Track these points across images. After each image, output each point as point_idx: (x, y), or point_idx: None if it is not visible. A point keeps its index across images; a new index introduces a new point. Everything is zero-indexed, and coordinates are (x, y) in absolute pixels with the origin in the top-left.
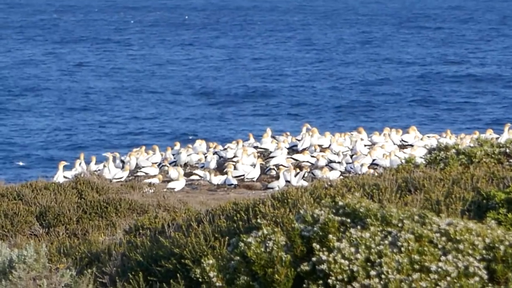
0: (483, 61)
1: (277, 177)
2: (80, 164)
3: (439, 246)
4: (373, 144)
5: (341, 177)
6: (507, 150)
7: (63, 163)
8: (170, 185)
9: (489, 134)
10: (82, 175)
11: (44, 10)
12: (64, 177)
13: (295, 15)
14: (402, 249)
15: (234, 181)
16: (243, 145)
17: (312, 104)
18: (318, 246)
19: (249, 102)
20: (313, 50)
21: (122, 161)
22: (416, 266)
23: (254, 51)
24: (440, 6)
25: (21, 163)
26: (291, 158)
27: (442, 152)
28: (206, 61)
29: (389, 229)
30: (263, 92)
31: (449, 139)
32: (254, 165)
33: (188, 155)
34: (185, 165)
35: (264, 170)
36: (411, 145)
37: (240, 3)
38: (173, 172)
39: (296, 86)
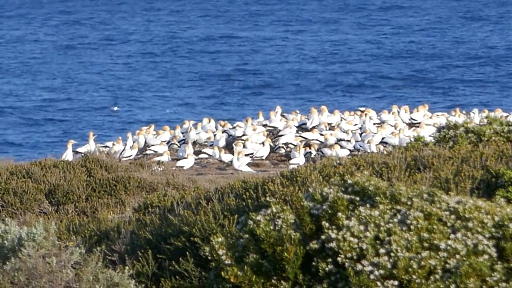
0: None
1: (286, 155)
2: (90, 142)
3: (448, 224)
4: (382, 122)
5: (350, 155)
6: None
7: (72, 141)
8: (179, 163)
9: (498, 112)
10: (91, 153)
11: None
12: (76, 152)
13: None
14: (411, 227)
15: (243, 165)
16: (252, 123)
17: (318, 84)
18: (327, 224)
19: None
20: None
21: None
22: (425, 244)
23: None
24: None
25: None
26: (300, 136)
27: (451, 131)
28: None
29: (398, 207)
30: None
31: (458, 117)
32: (263, 143)
33: (197, 133)
34: (194, 143)
35: (273, 148)
36: (420, 123)
37: None
38: (182, 150)
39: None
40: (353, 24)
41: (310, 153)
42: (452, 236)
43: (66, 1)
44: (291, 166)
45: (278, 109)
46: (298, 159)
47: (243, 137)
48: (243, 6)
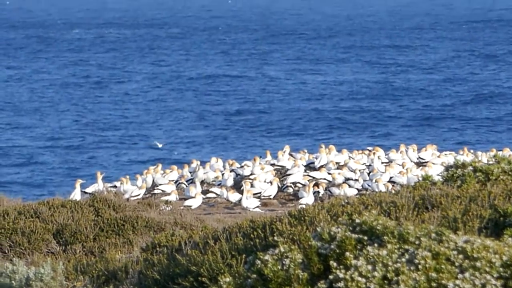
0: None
1: (294, 195)
2: (98, 182)
3: (456, 263)
4: (390, 161)
5: (358, 194)
6: None
7: (80, 181)
8: (187, 202)
9: (506, 152)
10: (99, 193)
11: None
12: (84, 192)
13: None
14: (419, 266)
15: (252, 204)
16: (260, 163)
17: (322, 121)
18: (335, 264)
19: (262, 119)
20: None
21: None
22: (434, 284)
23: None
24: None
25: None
26: (308, 175)
27: (459, 170)
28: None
29: (406, 246)
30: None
31: (466, 156)
32: (271, 183)
33: (205, 173)
34: (202, 182)
35: (281, 187)
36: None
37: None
38: (190, 189)
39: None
40: (362, 63)
41: (318, 192)
42: (460, 276)
43: (74, 41)
44: (300, 206)
45: (286, 148)
46: (307, 198)
47: (251, 176)
48: (249, 45)
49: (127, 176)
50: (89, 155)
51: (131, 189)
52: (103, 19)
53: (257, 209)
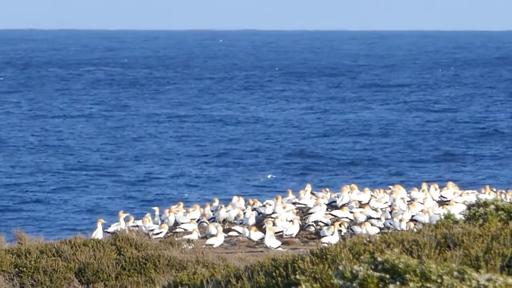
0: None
1: (316, 233)
2: (120, 221)
3: None
4: (412, 200)
5: (380, 233)
6: None
7: (101, 220)
8: (209, 241)
9: None
10: (121, 232)
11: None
12: (107, 232)
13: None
14: None
15: (274, 244)
16: (282, 201)
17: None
18: None
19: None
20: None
21: (162, 221)
22: None
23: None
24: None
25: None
26: (330, 214)
27: (481, 208)
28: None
29: (429, 285)
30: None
31: (488, 195)
32: (292, 221)
33: (226, 211)
34: (224, 221)
35: (303, 226)
36: (450, 201)
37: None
38: (212, 228)
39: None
40: (373, 101)
41: (340, 231)
42: None
43: (94, 82)
44: (323, 244)
45: (308, 187)
46: (332, 237)
47: (273, 215)
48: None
49: (148, 215)
50: (107, 193)
51: (153, 227)
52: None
53: (280, 248)
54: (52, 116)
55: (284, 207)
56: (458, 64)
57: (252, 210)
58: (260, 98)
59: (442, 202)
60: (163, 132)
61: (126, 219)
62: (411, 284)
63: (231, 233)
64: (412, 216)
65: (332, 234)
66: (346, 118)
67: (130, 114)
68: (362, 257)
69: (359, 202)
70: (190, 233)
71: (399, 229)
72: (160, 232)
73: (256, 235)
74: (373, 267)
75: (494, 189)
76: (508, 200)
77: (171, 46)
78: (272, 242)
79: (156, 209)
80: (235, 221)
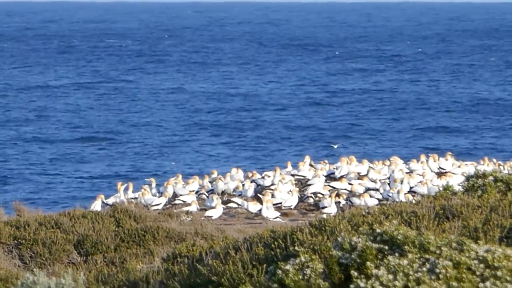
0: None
1: (315, 205)
2: (119, 192)
3: (477, 273)
4: (411, 171)
5: (379, 204)
6: None
7: (102, 196)
8: (208, 213)
9: None
10: (120, 204)
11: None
12: (106, 204)
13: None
14: (440, 276)
15: (272, 215)
16: (280, 173)
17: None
18: (356, 274)
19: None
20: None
21: (160, 192)
22: None
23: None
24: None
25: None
26: (329, 185)
27: (479, 179)
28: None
29: (427, 256)
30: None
31: (486, 166)
32: (291, 193)
33: (225, 183)
34: (223, 193)
35: (301, 198)
36: (449, 172)
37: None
38: (210, 200)
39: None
40: (373, 72)
41: (339, 202)
42: (481, 285)
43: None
44: (324, 215)
45: (307, 159)
46: (330, 208)
47: (272, 187)
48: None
49: (147, 187)
50: (106, 165)
51: (152, 199)
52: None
53: (278, 219)
54: (49, 86)
55: (283, 179)
56: (455, 35)
57: (251, 182)
58: (258, 72)
59: (440, 174)
60: (163, 105)
61: (125, 190)
62: (409, 255)
63: (230, 205)
64: (411, 187)
65: (330, 205)
66: (342, 88)
67: (131, 87)
68: (360, 228)
69: (358, 173)
70: (189, 205)
71: (397, 200)
72: (159, 204)
73: (255, 207)
74: (371, 238)
75: (494, 160)
76: (507, 172)
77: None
78: (269, 213)
79: (153, 180)
80: (234, 193)
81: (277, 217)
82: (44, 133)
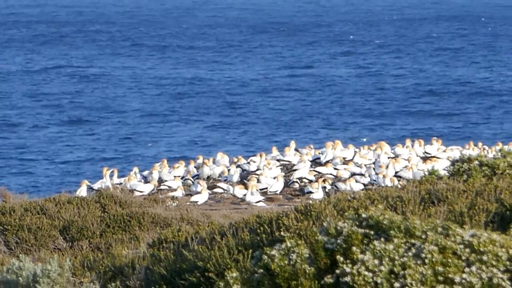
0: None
1: (300, 190)
2: (104, 178)
3: (463, 257)
4: (396, 156)
5: (365, 189)
6: None
7: (86, 182)
8: (193, 198)
9: None
10: (105, 189)
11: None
12: (92, 188)
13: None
14: (426, 260)
15: (255, 199)
16: (266, 158)
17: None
18: (341, 259)
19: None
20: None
21: (144, 177)
22: (440, 278)
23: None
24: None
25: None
26: (314, 170)
27: (465, 164)
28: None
29: (413, 241)
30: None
31: (472, 150)
32: (277, 178)
33: (211, 169)
34: (208, 178)
35: (287, 183)
36: (434, 157)
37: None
38: (196, 185)
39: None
40: (357, 56)
41: (325, 187)
42: (467, 269)
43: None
44: (310, 201)
45: (292, 144)
46: (318, 194)
47: (257, 172)
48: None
49: (133, 172)
50: (93, 151)
51: (138, 185)
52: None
53: (261, 203)
54: (29, 71)
55: (268, 164)
56: (442, 19)
57: (237, 167)
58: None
59: (426, 158)
60: (146, 89)
61: (111, 176)
62: (395, 240)
63: (215, 190)
64: (396, 172)
65: (317, 191)
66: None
67: (114, 72)
68: (346, 213)
69: (344, 158)
70: (175, 190)
71: (383, 185)
72: (145, 191)
73: (240, 192)
74: (357, 223)
75: (481, 144)
76: (492, 156)
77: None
78: (253, 197)
79: (136, 168)
80: (220, 178)
81: (260, 200)
82: (27, 118)
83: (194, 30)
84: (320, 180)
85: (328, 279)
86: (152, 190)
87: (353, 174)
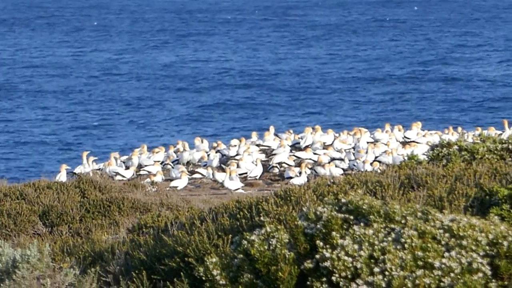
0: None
1: (280, 175)
2: (83, 162)
3: (443, 242)
4: (376, 141)
5: (344, 174)
6: (510, 146)
7: (65, 166)
8: (173, 183)
9: (491, 131)
10: (85, 174)
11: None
12: (73, 173)
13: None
14: (406, 245)
15: (234, 186)
16: (245, 143)
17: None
18: (321, 244)
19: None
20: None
21: (123, 162)
22: (420, 263)
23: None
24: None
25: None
26: (294, 155)
27: (444, 149)
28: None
29: (392, 225)
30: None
31: (451, 135)
32: (256, 163)
33: (190, 154)
34: (188, 163)
35: (266, 167)
36: (414, 142)
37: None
38: (175, 170)
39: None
40: (328, 41)
41: (304, 172)
42: (446, 254)
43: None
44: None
45: (272, 129)
46: (300, 179)
47: (237, 157)
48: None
49: (113, 157)
50: (73, 137)
51: (117, 170)
52: None
53: (240, 191)
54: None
55: (248, 149)
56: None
57: (216, 152)
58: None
59: (405, 143)
60: (124, 75)
61: (88, 158)
62: (375, 225)
63: (195, 175)
64: (376, 157)
65: (299, 175)
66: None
67: (92, 58)
68: (326, 198)
69: (323, 143)
70: (154, 175)
71: (362, 170)
72: (125, 177)
73: (220, 176)
74: (337, 208)
75: (460, 129)
76: (471, 140)
77: None
78: (231, 183)
79: (116, 154)
80: (199, 163)
81: (239, 188)
82: (6, 103)
83: (175, 16)
84: (304, 165)
85: (308, 264)
86: (132, 175)
87: (332, 159)
